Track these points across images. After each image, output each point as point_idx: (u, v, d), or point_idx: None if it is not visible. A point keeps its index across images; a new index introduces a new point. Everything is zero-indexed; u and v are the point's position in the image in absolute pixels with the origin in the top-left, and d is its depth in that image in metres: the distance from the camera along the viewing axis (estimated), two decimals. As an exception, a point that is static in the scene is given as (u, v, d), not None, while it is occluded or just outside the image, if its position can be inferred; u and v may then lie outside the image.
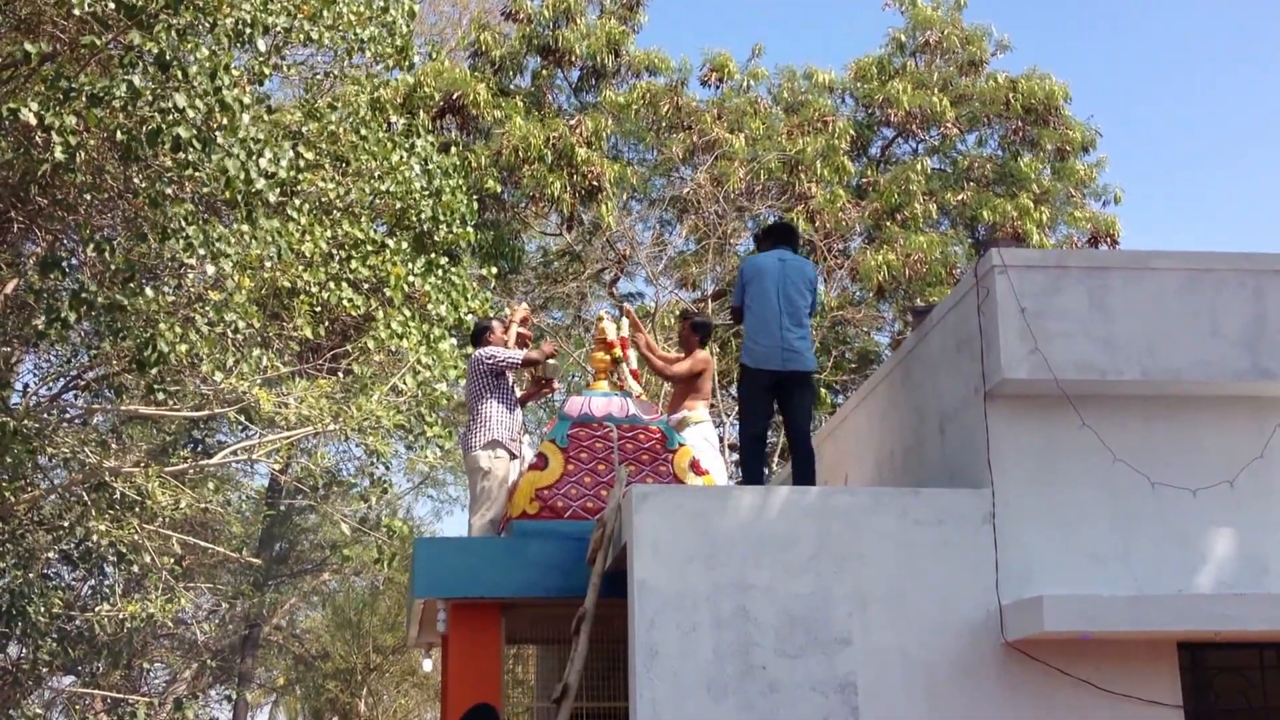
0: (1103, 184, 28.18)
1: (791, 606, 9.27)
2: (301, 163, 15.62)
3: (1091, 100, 74.41)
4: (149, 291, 14.83)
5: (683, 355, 13.60)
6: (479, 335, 12.78)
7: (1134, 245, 33.86)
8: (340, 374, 18.31)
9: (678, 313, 24.93)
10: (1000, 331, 9.51)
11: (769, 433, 12.17)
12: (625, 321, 13.51)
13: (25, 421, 15.67)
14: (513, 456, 12.32)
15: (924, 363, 11.06)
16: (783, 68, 28.67)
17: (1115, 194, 28.08)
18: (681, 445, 12.12)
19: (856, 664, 9.19)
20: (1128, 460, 9.63)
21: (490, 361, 12.39)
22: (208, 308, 15.47)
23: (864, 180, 27.06)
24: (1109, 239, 26.83)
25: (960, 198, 26.48)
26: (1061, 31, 78.36)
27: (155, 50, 13.76)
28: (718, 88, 27.79)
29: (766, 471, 20.08)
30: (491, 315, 13.18)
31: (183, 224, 14.57)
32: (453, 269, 18.56)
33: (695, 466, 11.99)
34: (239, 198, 14.50)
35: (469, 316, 18.41)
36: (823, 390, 24.81)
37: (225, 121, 14.18)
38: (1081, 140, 27.78)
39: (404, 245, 17.66)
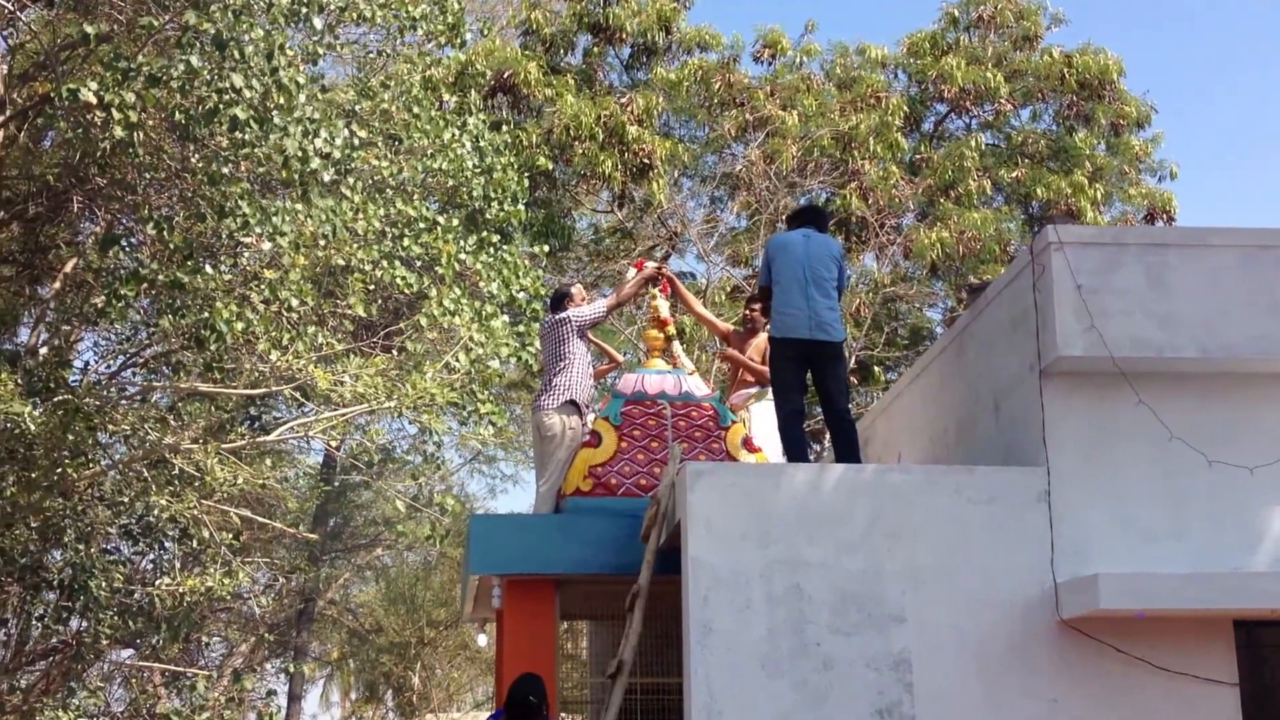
0: (1158, 159, 28.07)
1: (845, 584, 9.29)
2: (355, 141, 15.67)
3: (1146, 74, 73.96)
4: (207, 269, 14.94)
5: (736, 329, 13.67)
6: (559, 300, 12.65)
7: (1191, 221, 33.64)
8: (394, 351, 18.39)
9: (728, 289, 24.95)
10: (1056, 308, 9.49)
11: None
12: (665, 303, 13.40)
13: (85, 399, 15.81)
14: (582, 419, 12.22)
15: (978, 340, 11.05)
16: (835, 43, 28.70)
17: (1171, 169, 27.97)
18: (735, 422, 12.13)
19: (911, 641, 9.21)
20: (1184, 438, 9.60)
21: (579, 321, 12.23)
22: (263, 286, 15.56)
23: (917, 157, 27.00)
24: (1165, 215, 26.71)
25: (1014, 174, 26.41)
26: (1116, 4, 77.84)
27: (212, 30, 13.85)
28: (770, 64, 27.79)
29: (818, 448, 20.10)
30: (571, 284, 13.19)
31: (239, 203, 14.66)
32: (504, 247, 18.59)
33: (748, 444, 11.99)
34: (295, 177, 14.58)
35: (520, 294, 18.45)
36: (875, 367, 24.80)
37: (282, 101, 14.25)
38: (1136, 115, 27.66)
39: (456, 223, 17.69)
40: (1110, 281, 9.60)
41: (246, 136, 14.15)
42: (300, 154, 14.38)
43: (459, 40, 18.70)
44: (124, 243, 15.76)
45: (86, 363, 19.82)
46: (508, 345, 17.64)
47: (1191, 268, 9.71)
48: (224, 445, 17.87)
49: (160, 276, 14.78)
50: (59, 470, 16.25)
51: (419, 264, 17.41)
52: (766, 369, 13.04)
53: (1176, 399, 9.71)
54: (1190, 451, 9.59)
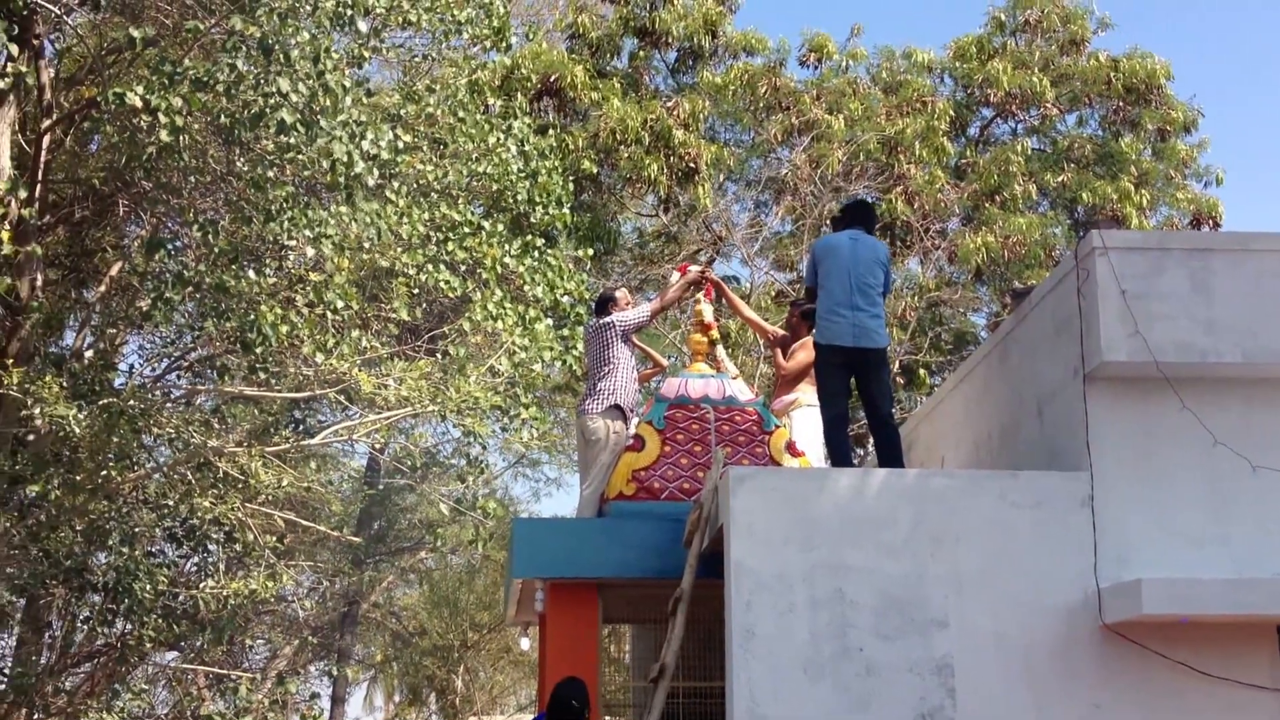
0: (1204, 165, 27.92)
1: (888, 588, 9.27)
2: (400, 145, 15.72)
3: (1193, 79, 73.59)
4: (251, 273, 15.01)
5: (784, 333, 13.64)
6: (603, 304, 12.65)
7: (1236, 227, 33.45)
8: (438, 355, 18.44)
9: (773, 293, 24.91)
10: (1100, 313, 9.44)
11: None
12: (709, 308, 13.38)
13: (130, 402, 15.90)
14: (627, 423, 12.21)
15: (1022, 345, 11.01)
16: (882, 48, 28.59)
17: (1217, 175, 27.80)
18: (778, 427, 12.11)
19: (953, 646, 9.18)
20: (1228, 443, 9.54)
21: (623, 325, 12.22)
22: (308, 289, 15.63)
23: (963, 161, 26.91)
24: (1211, 221, 26.55)
25: (1060, 179, 26.29)
26: (1163, 9, 77.51)
27: (258, 34, 13.91)
28: (816, 68, 27.75)
29: (861, 452, 20.06)
30: (615, 288, 13.20)
31: (284, 206, 14.72)
32: (549, 250, 18.63)
33: (791, 448, 11.97)
34: (340, 180, 14.63)
35: (564, 298, 18.49)
36: (920, 371, 24.73)
37: (328, 105, 14.30)
38: (1183, 121, 27.50)
39: (500, 227, 17.74)
40: (1155, 287, 9.54)
41: (292, 140, 14.21)
42: (346, 157, 14.43)
43: (504, 44, 18.78)
44: (169, 246, 15.85)
45: (131, 366, 19.94)
46: (551, 349, 17.67)
47: (1236, 273, 9.65)
48: (268, 448, 17.97)
49: (205, 280, 14.86)
50: (104, 473, 16.35)
51: (463, 268, 17.47)
52: (793, 367, 13.06)
53: (1220, 404, 9.65)
54: (1234, 457, 9.52)
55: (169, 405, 17.76)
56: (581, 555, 11.02)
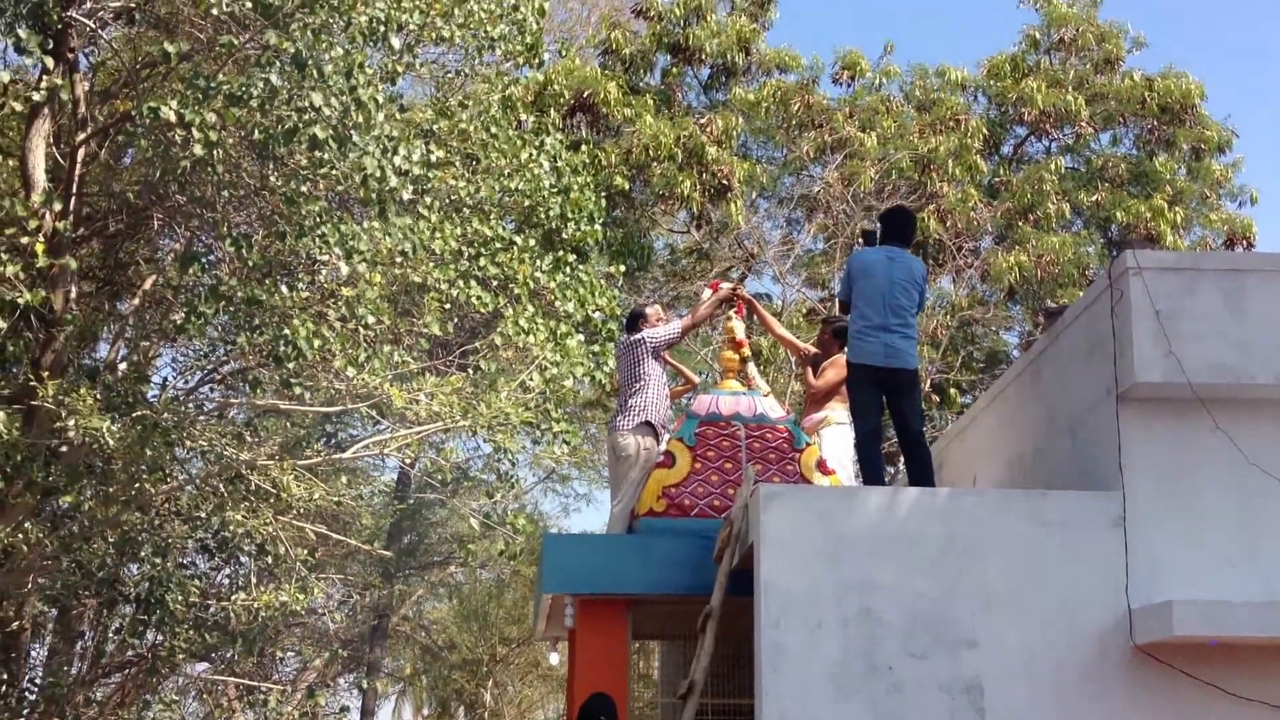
0: (1238, 184, 27.77)
1: (918, 607, 9.26)
2: (433, 160, 15.76)
3: (1228, 99, 73.27)
4: (284, 288, 15.05)
5: (816, 350, 13.62)
6: (634, 321, 12.67)
7: (1270, 247, 33.28)
8: (469, 370, 18.46)
9: (804, 311, 24.88)
10: (1134, 334, 9.42)
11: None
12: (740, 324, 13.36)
13: (164, 415, 15.95)
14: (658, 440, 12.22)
15: (1055, 364, 10.98)
16: (915, 65, 28.47)
17: (1251, 195, 27.65)
18: (809, 445, 12.10)
19: (983, 665, 9.17)
20: (1261, 464, 9.51)
21: (654, 342, 12.24)
22: (340, 304, 15.67)
23: (996, 180, 26.82)
24: (1244, 241, 26.42)
25: (1094, 198, 26.18)
26: (1198, 29, 77.30)
27: (291, 49, 13.96)
28: (849, 86, 27.68)
29: (892, 470, 20.03)
30: (646, 304, 13.20)
31: (316, 221, 14.77)
32: (580, 266, 18.65)
33: (822, 466, 11.96)
34: (373, 195, 14.68)
35: (596, 314, 18.50)
36: (951, 390, 24.66)
37: (361, 120, 14.35)
38: (1217, 140, 27.34)
39: (532, 242, 17.77)
40: (1188, 307, 9.52)
41: (325, 155, 14.26)
42: (378, 173, 14.47)
43: (537, 60, 18.81)
44: (203, 260, 15.90)
45: (165, 378, 20.00)
46: (582, 364, 17.68)
47: (1269, 293, 9.62)
48: (300, 462, 18.00)
49: (238, 294, 14.91)
50: (137, 485, 16.39)
51: (495, 283, 17.49)
52: (823, 385, 13.04)
53: (1253, 425, 9.62)
54: (1266, 478, 9.50)
55: (202, 418, 17.80)
56: (611, 571, 11.04)
